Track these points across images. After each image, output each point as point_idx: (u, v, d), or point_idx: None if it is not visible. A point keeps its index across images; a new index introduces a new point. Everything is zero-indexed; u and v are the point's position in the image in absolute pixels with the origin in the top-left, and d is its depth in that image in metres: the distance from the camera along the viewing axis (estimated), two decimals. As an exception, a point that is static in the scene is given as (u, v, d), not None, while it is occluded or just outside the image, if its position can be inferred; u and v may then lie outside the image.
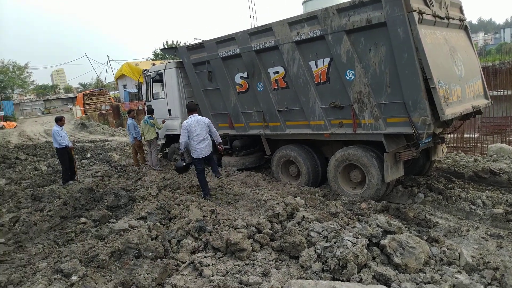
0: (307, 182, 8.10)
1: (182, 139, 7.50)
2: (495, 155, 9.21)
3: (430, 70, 5.79)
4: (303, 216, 5.68)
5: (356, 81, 6.65)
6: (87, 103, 37.68)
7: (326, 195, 7.30)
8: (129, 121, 11.50)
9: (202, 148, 7.53)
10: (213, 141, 7.93)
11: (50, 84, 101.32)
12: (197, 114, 7.73)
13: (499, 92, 12.87)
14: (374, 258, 4.48)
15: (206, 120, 7.70)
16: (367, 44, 6.41)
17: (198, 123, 7.48)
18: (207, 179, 7.99)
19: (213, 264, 4.67)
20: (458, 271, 4.21)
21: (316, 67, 7.20)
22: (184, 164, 7.92)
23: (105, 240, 5.44)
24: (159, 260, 4.91)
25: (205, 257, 4.82)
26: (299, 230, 5.20)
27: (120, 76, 41.48)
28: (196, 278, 4.38)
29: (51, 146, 17.28)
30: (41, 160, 14.48)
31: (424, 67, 5.88)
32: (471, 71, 7.29)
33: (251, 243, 5.11)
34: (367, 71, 6.52)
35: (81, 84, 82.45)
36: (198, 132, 7.45)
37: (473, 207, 6.48)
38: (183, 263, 4.80)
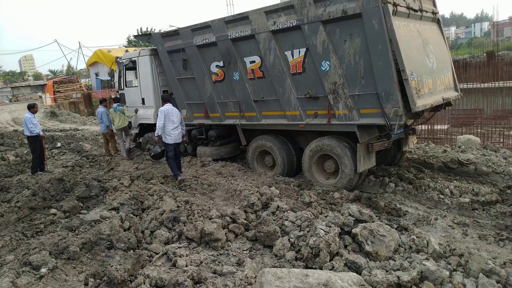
0: (282, 172, 8.15)
1: (160, 122, 7.79)
2: (463, 146, 9.52)
3: (403, 62, 5.89)
4: (278, 206, 5.72)
5: (331, 72, 6.69)
6: (57, 91, 36.44)
7: (301, 185, 7.37)
8: (101, 109, 11.20)
9: (176, 134, 8.03)
10: None
11: (18, 70, 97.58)
12: (171, 104, 8.19)
13: (468, 85, 13.29)
14: (346, 247, 4.57)
15: (178, 111, 8.36)
16: (342, 35, 6.44)
17: (174, 110, 8.09)
18: (182, 169, 8.01)
19: (187, 254, 4.65)
20: (426, 258, 4.34)
21: (292, 57, 7.19)
22: (159, 150, 8.02)
23: (76, 232, 5.34)
24: (131, 251, 4.85)
25: (179, 247, 4.80)
26: (274, 220, 5.24)
27: (92, 64, 40.28)
28: (169, 269, 4.36)
29: (19, 135, 16.69)
30: (9, 149, 13.95)
31: (397, 59, 5.97)
32: (443, 63, 7.47)
33: (225, 233, 5.12)
34: (342, 62, 6.57)
35: (51, 71, 79.80)
36: (174, 118, 7.96)
37: (442, 196, 6.69)
38: (157, 254, 4.76)
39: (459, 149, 9.48)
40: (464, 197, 6.54)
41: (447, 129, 12.27)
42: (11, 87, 57.86)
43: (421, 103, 6.18)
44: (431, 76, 6.86)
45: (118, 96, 11.11)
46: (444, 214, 6.15)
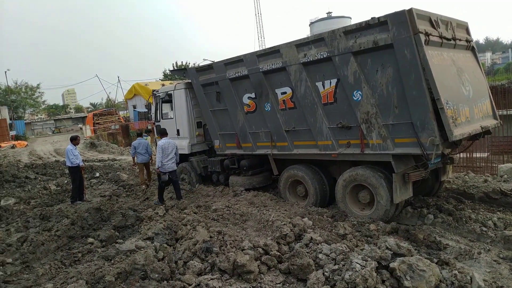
0: (315, 203, 8.04)
1: (159, 158, 9.05)
2: (505, 176, 9.09)
3: (437, 90, 5.80)
4: (311, 237, 5.61)
5: (364, 101, 6.67)
6: (97, 123, 38.16)
7: (334, 216, 7.23)
8: (141, 140, 11.58)
9: (169, 164, 9.17)
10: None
11: (61, 104, 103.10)
12: (167, 137, 9.43)
13: (508, 112, 12.79)
14: (383, 282, 4.39)
15: (174, 142, 9.47)
16: (374, 65, 6.45)
17: (169, 144, 9.22)
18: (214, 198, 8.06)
19: (219, 286, 4.61)
20: (471, 296, 4.11)
21: (323, 87, 7.25)
22: (167, 178, 9.14)
23: (112, 261, 5.43)
24: (165, 282, 4.86)
25: (212, 279, 4.77)
26: (307, 252, 5.13)
27: (130, 96, 42.08)
28: (202, 301, 4.33)
29: (60, 166, 17.44)
30: (50, 179, 14.59)
31: (431, 88, 5.89)
32: (479, 91, 7.28)
33: (258, 265, 5.05)
34: (374, 91, 6.54)
35: (91, 104, 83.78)
36: (168, 152, 9.11)
37: (484, 229, 6.36)
38: (190, 285, 4.74)
39: (501, 178, 9.06)
40: (510, 230, 6.18)
41: (487, 157, 11.77)
42: (54, 119, 61.13)
43: (458, 132, 6.01)
44: (468, 105, 6.69)
45: (149, 128, 11.68)
46: (488, 248, 5.82)
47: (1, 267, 5.72)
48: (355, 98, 6.77)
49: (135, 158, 11.62)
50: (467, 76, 6.97)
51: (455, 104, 6.20)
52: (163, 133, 9.59)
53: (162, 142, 9.15)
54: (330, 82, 7.11)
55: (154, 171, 11.41)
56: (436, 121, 5.94)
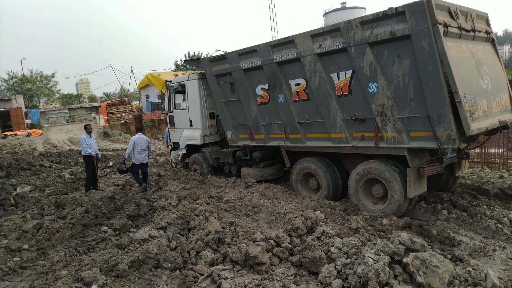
0: (327, 196, 8.00)
1: (128, 150, 10.32)
2: (523, 172, 8.91)
3: (455, 83, 5.68)
4: (323, 230, 5.60)
5: (379, 94, 6.57)
6: (110, 113, 38.51)
7: (347, 209, 7.18)
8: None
9: (141, 157, 10.24)
10: None
11: (75, 93, 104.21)
12: (141, 133, 10.69)
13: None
14: (396, 277, 4.36)
15: (147, 138, 10.63)
16: (390, 56, 6.34)
17: (142, 139, 10.34)
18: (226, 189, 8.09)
19: (231, 277, 4.63)
20: (485, 293, 4.06)
21: (338, 79, 7.16)
22: (124, 168, 10.38)
23: (125, 250, 5.49)
24: (178, 271, 4.92)
25: (224, 269, 4.79)
26: (319, 245, 5.12)
27: (143, 86, 42.33)
28: (214, 291, 4.35)
29: (74, 154, 17.69)
30: (65, 167, 14.81)
31: (449, 80, 5.76)
32: (498, 85, 7.11)
33: (269, 257, 5.06)
34: (390, 84, 6.44)
35: (105, 93, 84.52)
36: (141, 146, 10.20)
37: (500, 225, 6.25)
38: (202, 275, 4.78)
39: (518, 174, 8.89)
40: (526, 227, 6.06)
41: (503, 153, 11.53)
42: (68, 109, 61.80)
43: (475, 126, 5.88)
44: (486, 98, 6.54)
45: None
46: (503, 245, 5.71)
47: (18, 253, 5.84)
48: (370, 90, 6.67)
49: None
50: (485, 69, 6.80)
51: (473, 98, 6.07)
52: (138, 129, 11.04)
53: (135, 137, 10.39)
54: (345, 74, 7.01)
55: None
56: (453, 114, 5.83)
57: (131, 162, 10.55)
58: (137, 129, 11.20)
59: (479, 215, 6.60)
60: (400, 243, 4.76)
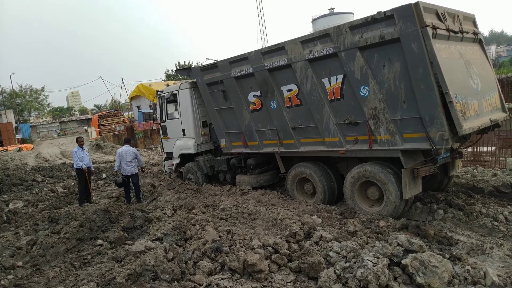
0: (323, 200, 8.00)
1: (116, 163, 10.33)
2: (515, 169, 8.99)
3: (446, 84, 5.74)
4: (321, 235, 5.58)
5: (371, 97, 6.61)
6: (102, 124, 38.29)
7: (343, 213, 7.18)
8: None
9: (129, 168, 10.10)
10: None
11: (66, 106, 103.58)
12: (129, 145, 10.44)
13: (515, 105, 12.64)
14: (395, 278, 4.35)
15: (134, 149, 10.45)
16: (380, 60, 6.39)
17: (128, 151, 10.16)
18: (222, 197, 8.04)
19: (230, 286, 4.59)
20: (485, 291, 4.06)
21: (330, 84, 7.19)
22: (121, 180, 10.15)
23: (122, 263, 5.42)
24: (176, 282, 4.85)
25: (222, 279, 4.75)
26: (317, 250, 5.10)
27: (134, 97, 42.24)
28: (214, 301, 4.31)
29: (67, 168, 17.51)
30: (57, 181, 14.65)
31: (440, 81, 5.82)
32: (487, 84, 7.20)
33: (268, 264, 5.02)
34: (381, 87, 6.48)
35: (96, 105, 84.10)
36: (127, 158, 10.08)
37: (496, 223, 6.29)
38: (200, 285, 4.73)
39: (510, 171, 8.96)
40: (522, 224, 6.10)
41: (495, 151, 11.64)
42: (59, 122, 61.39)
43: (467, 125, 5.94)
44: (477, 98, 6.61)
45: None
46: (500, 242, 5.75)
47: (12, 271, 5.73)
48: (362, 94, 6.71)
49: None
50: (475, 69, 6.89)
51: (464, 98, 6.13)
52: (126, 141, 10.92)
53: (121, 149, 10.37)
54: (337, 78, 7.05)
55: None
56: (445, 115, 5.88)
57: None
58: (125, 141, 11.03)
59: (475, 214, 6.64)
60: (398, 244, 4.76)
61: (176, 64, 46.33)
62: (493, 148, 11.87)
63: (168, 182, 12.11)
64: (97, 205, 9.65)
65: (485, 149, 11.62)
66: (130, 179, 10.23)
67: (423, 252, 4.66)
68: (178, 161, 11.63)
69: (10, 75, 57.74)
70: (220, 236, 5.98)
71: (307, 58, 7.30)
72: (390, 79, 6.34)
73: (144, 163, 12.38)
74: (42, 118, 73.51)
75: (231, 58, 8.93)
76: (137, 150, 11.01)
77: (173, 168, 11.95)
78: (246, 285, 4.67)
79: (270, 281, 4.77)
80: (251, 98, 8.82)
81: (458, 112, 5.80)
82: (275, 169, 9.72)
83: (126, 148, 10.32)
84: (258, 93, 8.59)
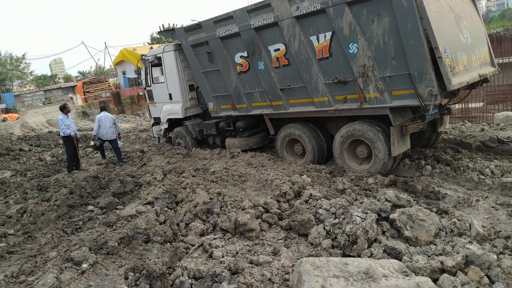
0: (313, 160, 8.04)
1: (95, 127, 10.69)
2: (502, 124, 9.09)
3: (435, 39, 5.63)
4: (310, 194, 5.64)
5: (360, 54, 6.49)
6: (87, 91, 37.46)
7: (333, 172, 7.24)
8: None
9: (109, 134, 10.64)
10: None
11: (49, 74, 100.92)
12: (106, 112, 10.94)
13: (504, 60, 12.61)
14: (384, 233, 4.45)
15: (113, 116, 11.10)
16: (369, 15, 6.22)
17: (106, 117, 10.68)
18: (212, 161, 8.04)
19: (222, 245, 4.65)
20: (470, 242, 4.18)
21: (318, 42, 7.03)
22: (98, 144, 10.76)
23: (114, 227, 5.44)
24: (168, 244, 4.91)
25: (214, 239, 4.81)
26: (307, 208, 5.17)
27: (119, 62, 41.16)
28: (206, 260, 4.38)
29: (54, 137, 17.27)
30: (45, 150, 14.47)
31: (429, 36, 5.71)
32: (477, 38, 7.11)
33: (259, 223, 5.09)
34: (370, 43, 6.35)
35: (80, 72, 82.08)
36: (106, 123, 10.56)
37: (482, 177, 6.41)
38: (193, 245, 4.79)
39: (498, 126, 9.08)
40: (507, 177, 6.23)
41: (482, 107, 11.73)
42: (44, 90, 59.94)
43: (456, 81, 5.90)
44: (466, 52, 6.54)
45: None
46: (485, 195, 5.89)
47: (3, 239, 5.72)
48: (351, 51, 6.58)
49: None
50: (465, 22, 6.76)
51: (453, 53, 6.05)
52: (102, 108, 11.43)
53: (100, 115, 10.72)
54: (325, 36, 6.88)
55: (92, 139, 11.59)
56: (434, 70, 5.82)
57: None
58: (101, 108, 11.54)
59: (462, 168, 6.75)
60: (387, 200, 4.84)
61: (160, 26, 44.90)
62: (481, 104, 11.96)
63: (157, 147, 12.04)
64: (87, 172, 9.58)
65: (473, 105, 11.71)
66: (110, 144, 10.97)
67: (411, 206, 4.75)
68: (166, 126, 11.51)
69: (-12, 43, 55.55)
70: (211, 198, 6.01)
71: (294, 15, 7.08)
72: (379, 35, 6.21)
73: (121, 130, 12.55)
74: (25, 87, 71.64)
75: (216, 17, 8.63)
76: (115, 117, 11.58)
77: (161, 133, 11.85)
78: (238, 243, 4.74)
79: (261, 239, 4.85)
80: (237, 59, 8.61)
81: (447, 67, 5.73)
82: (265, 131, 9.69)
83: (104, 114, 10.75)
84: (245, 54, 8.39)
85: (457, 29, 6.47)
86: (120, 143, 13.96)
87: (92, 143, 11.90)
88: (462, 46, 6.47)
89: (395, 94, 6.39)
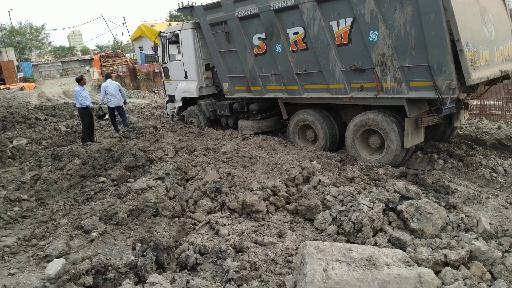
0: (324, 147, 8.02)
1: (101, 95, 11.33)
2: (520, 123, 8.91)
3: (458, 32, 5.50)
4: (319, 180, 5.65)
5: (380, 42, 6.39)
6: (104, 65, 37.70)
7: (343, 160, 7.23)
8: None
9: (115, 101, 11.21)
10: None
11: (67, 46, 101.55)
12: (111, 79, 11.64)
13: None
14: (390, 223, 4.46)
15: (117, 83, 11.62)
16: (392, 3, 6.09)
17: (111, 84, 11.25)
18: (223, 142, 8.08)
19: (229, 224, 4.72)
20: (475, 238, 4.16)
21: (338, 27, 6.92)
22: (101, 113, 11.25)
23: (124, 199, 5.55)
24: (176, 219, 5.00)
25: (221, 217, 4.88)
26: (315, 194, 5.19)
27: (137, 38, 41.17)
28: (212, 237, 4.46)
29: (69, 107, 17.49)
30: (60, 120, 14.69)
31: (452, 28, 5.58)
32: (502, 33, 6.92)
33: (266, 205, 5.14)
34: (391, 32, 6.24)
35: (98, 46, 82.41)
36: (112, 91, 11.13)
37: (494, 174, 6.33)
38: (200, 222, 4.87)
39: (515, 125, 8.90)
40: (520, 176, 6.15)
41: (501, 105, 11.48)
42: (61, 62, 60.50)
43: (476, 75, 5.78)
44: (489, 47, 6.38)
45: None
46: (496, 193, 5.82)
47: (17, 203, 5.89)
48: (371, 39, 6.48)
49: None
50: (490, 16, 6.58)
51: (475, 46, 5.91)
52: (107, 76, 12.13)
53: (105, 83, 11.28)
54: (345, 22, 6.77)
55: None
56: (454, 63, 5.70)
57: (107, 107, 11.54)
58: (106, 76, 12.39)
59: (474, 165, 6.67)
60: (395, 191, 4.82)
61: (179, 3, 44.63)
62: (501, 102, 11.69)
63: (170, 124, 12.12)
64: (100, 144, 9.73)
65: (492, 102, 11.46)
66: (116, 111, 11.50)
67: (419, 199, 4.73)
68: (180, 104, 11.54)
69: (9, 11, 56.08)
70: (220, 178, 6.07)
71: (315, -1, 6.96)
72: (400, 24, 6.09)
73: (127, 96, 12.84)
74: (43, 57, 72.38)
75: (236, -4, 8.54)
76: (120, 85, 11.85)
77: (175, 111, 11.91)
78: (244, 223, 4.80)
79: (267, 221, 4.90)
80: (255, 40, 8.55)
81: (468, 61, 5.61)
82: (278, 115, 9.66)
83: (109, 82, 11.35)
84: (263, 36, 8.31)
85: (481, 22, 6.31)
86: (133, 118, 14.13)
87: (105, 116, 12.05)
88: (486, 40, 6.31)
89: (412, 85, 6.30)
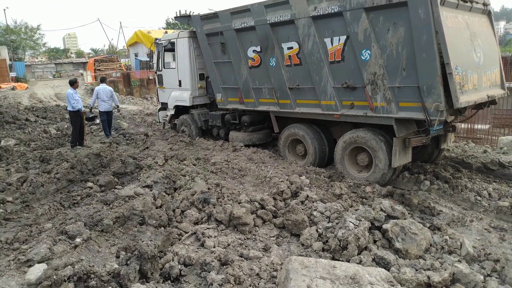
0: (313, 162, 8.07)
1: (93, 99, 11.62)
2: (505, 148, 9.07)
3: (448, 55, 5.64)
4: (307, 195, 5.68)
5: (372, 61, 6.50)
6: (98, 69, 37.57)
7: (331, 176, 7.28)
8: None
9: (106, 105, 11.41)
10: None
11: (62, 47, 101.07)
12: (105, 84, 11.79)
13: (515, 84, 12.55)
14: (375, 242, 4.49)
15: (110, 88, 11.76)
16: (385, 23, 6.23)
17: (105, 89, 11.46)
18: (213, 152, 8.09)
19: (215, 236, 4.72)
20: (459, 260, 4.21)
21: (332, 44, 7.04)
22: (91, 115, 11.32)
23: (110, 206, 5.52)
24: (162, 228, 4.98)
25: (208, 228, 4.87)
26: (302, 209, 5.21)
27: (132, 44, 41.15)
28: (197, 248, 4.45)
29: (60, 110, 17.36)
30: (51, 123, 14.57)
31: (442, 51, 5.72)
32: (490, 59, 7.09)
33: (253, 218, 5.14)
34: (383, 52, 6.37)
35: (92, 49, 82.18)
36: (104, 96, 11.34)
37: (479, 198, 6.42)
38: (186, 232, 4.86)
39: (501, 150, 9.06)
40: (504, 201, 6.23)
41: (488, 129, 11.69)
42: (55, 63, 60.12)
43: (464, 99, 5.91)
44: (477, 72, 6.53)
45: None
46: (480, 216, 5.90)
47: (1, 205, 5.82)
48: (363, 58, 6.60)
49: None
50: (479, 41, 6.75)
51: (464, 70, 6.05)
52: (102, 80, 12.20)
53: (98, 87, 11.49)
54: (339, 39, 6.89)
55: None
56: (443, 86, 5.83)
57: (97, 111, 11.74)
58: (101, 80, 12.30)
59: (460, 187, 6.76)
60: (381, 210, 4.88)
61: (177, 12, 44.85)
62: (487, 126, 11.91)
63: (161, 132, 12.11)
64: (89, 149, 9.67)
65: (479, 126, 11.66)
66: (106, 115, 11.58)
67: (405, 219, 4.79)
68: (172, 112, 11.55)
69: (4, 9, 55.81)
70: (209, 188, 6.07)
71: (311, 15, 7.09)
72: (393, 44, 6.22)
73: (119, 103, 12.88)
74: (37, 58, 71.92)
75: (233, 8, 8.65)
76: (113, 90, 12.05)
77: (167, 119, 11.90)
78: (231, 236, 4.80)
79: (254, 234, 4.91)
80: (250, 53, 8.64)
81: (456, 84, 5.74)
82: (269, 128, 9.73)
83: (103, 87, 11.51)
84: (258, 49, 8.41)
85: (471, 47, 6.47)
86: (125, 125, 14.07)
87: (96, 120, 12.04)
88: (474, 65, 6.47)
89: (402, 106, 6.41)
